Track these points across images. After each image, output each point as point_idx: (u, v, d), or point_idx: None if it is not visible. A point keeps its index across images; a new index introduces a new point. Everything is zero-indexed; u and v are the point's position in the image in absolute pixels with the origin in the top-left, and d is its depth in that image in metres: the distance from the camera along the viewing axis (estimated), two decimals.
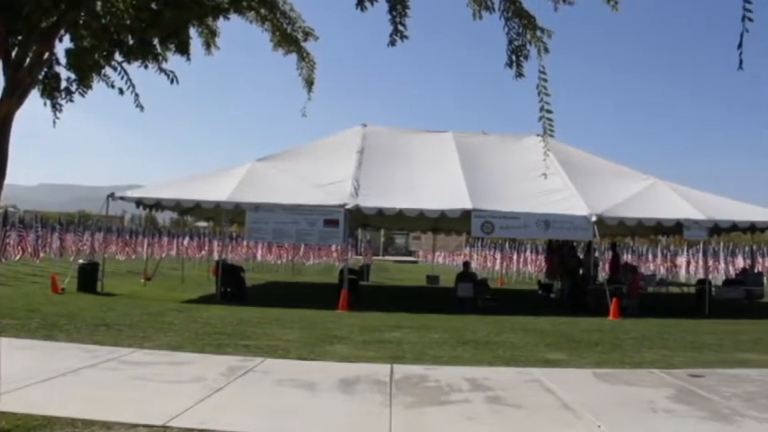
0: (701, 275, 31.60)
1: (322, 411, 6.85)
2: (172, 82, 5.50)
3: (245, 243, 41.86)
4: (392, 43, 4.94)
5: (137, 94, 5.55)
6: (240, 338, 11.56)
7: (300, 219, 18.70)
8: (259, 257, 45.04)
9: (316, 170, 20.77)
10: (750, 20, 3.88)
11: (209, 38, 6.17)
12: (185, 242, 42.04)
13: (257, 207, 18.82)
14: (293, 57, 6.39)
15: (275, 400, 7.20)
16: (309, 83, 6.57)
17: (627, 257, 37.50)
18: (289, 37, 6.17)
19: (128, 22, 4.99)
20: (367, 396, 7.50)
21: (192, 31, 5.80)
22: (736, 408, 7.50)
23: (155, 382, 7.74)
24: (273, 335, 12.23)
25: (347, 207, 18.58)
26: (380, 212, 19.32)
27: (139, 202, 20.35)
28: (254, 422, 6.41)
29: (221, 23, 6.08)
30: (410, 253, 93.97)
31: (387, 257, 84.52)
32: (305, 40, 6.29)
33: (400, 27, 4.92)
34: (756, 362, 11.07)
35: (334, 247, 42.52)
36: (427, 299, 23.99)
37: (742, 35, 3.95)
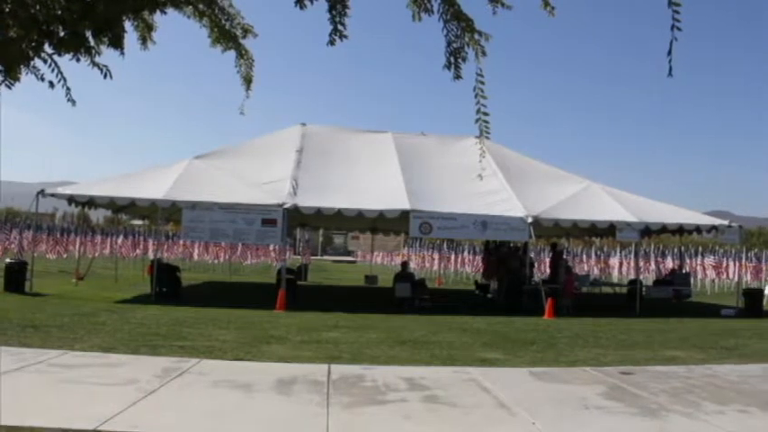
0: (632, 276, 32.47)
1: (258, 412, 6.78)
2: (105, 76, 5.35)
3: (181, 242, 41.22)
4: (331, 43, 4.92)
5: (68, 88, 5.38)
6: (175, 339, 11.36)
7: (238, 218, 18.49)
8: (196, 257, 44.40)
9: (254, 169, 20.57)
10: (678, 29, 4.00)
11: (145, 32, 6.03)
12: (119, 241, 41.19)
13: (194, 205, 18.52)
14: (232, 54, 6.31)
15: (211, 402, 7.09)
16: (248, 80, 6.49)
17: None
18: (227, 33, 6.08)
19: (58, 12, 4.83)
20: (304, 396, 7.45)
21: (128, 25, 5.65)
22: (663, 403, 7.74)
23: (85, 385, 7.53)
24: (209, 335, 12.05)
25: (285, 206, 18.45)
26: (319, 212, 19.25)
27: (71, 200, 19.79)
28: (188, 424, 6.31)
29: (158, 18, 5.96)
30: (349, 253, 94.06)
31: (325, 257, 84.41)
32: (244, 37, 6.20)
33: (340, 27, 4.89)
34: (683, 359, 11.43)
35: (272, 247, 42.16)
36: (365, 299, 23.99)
37: (671, 43, 4.07)
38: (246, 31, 6.19)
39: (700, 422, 6.99)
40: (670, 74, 4.22)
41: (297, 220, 25.90)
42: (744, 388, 8.92)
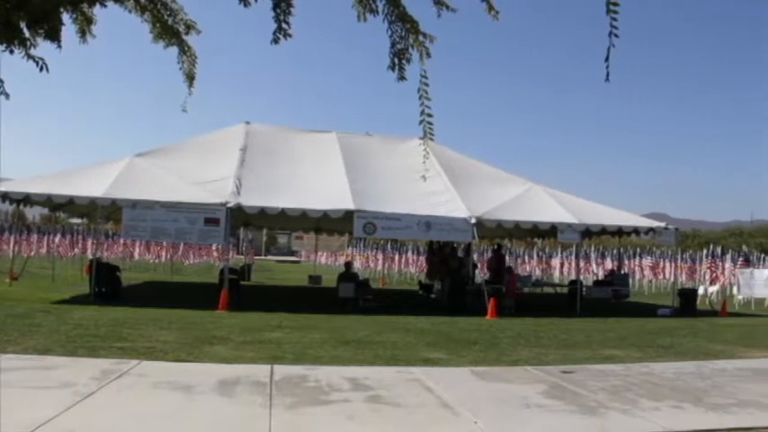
0: (573, 276, 33.04)
1: (200, 414, 6.69)
2: (41, 69, 5.20)
3: (121, 241, 40.48)
4: (275, 41, 4.88)
5: (1, 81, 5.21)
6: (115, 340, 11.13)
7: (180, 217, 18.20)
8: (136, 256, 43.69)
9: (197, 167, 20.28)
10: (616, 35, 4.08)
11: (85, 25, 5.90)
12: (57, 240, 40.23)
13: (135, 204, 18.15)
14: (174, 50, 6.21)
15: (151, 405, 6.96)
16: (190, 77, 6.39)
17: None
18: (169, 29, 5.98)
19: None
20: (246, 398, 7.38)
21: (66, 17, 5.51)
22: (601, 401, 7.91)
23: (19, 389, 7.29)
24: (150, 336, 11.84)
25: (229, 205, 18.24)
26: (263, 211, 19.08)
27: (5, 197, 19.15)
28: (126, 428, 6.18)
29: (98, 11, 5.82)
30: (293, 253, 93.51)
31: (269, 257, 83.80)
32: (186, 33, 6.11)
33: (284, 25, 4.86)
34: (622, 357, 11.69)
35: (214, 247, 41.76)
36: (309, 299, 23.89)
37: (609, 49, 4.15)
38: (189, 27, 6.10)
39: (637, 419, 7.17)
40: (607, 79, 4.29)
41: (240, 219, 25.64)
42: (678, 385, 9.18)
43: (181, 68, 6.34)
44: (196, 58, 6.35)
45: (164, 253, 41.87)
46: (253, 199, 18.80)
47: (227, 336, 12.35)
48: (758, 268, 31.87)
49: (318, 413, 6.91)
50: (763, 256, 41.70)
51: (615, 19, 4.06)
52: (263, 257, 77.10)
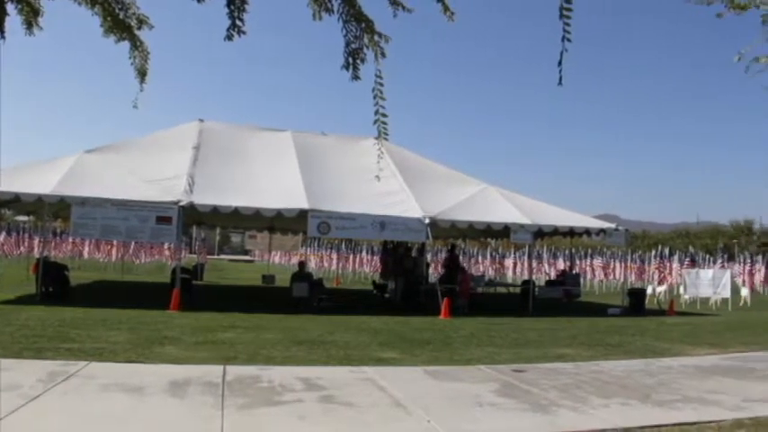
0: (525, 276, 33.40)
1: (150, 416, 6.59)
2: None
3: (70, 239, 39.70)
4: (229, 38, 4.83)
5: None
6: (62, 341, 10.89)
7: (131, 215, 17.89)
8: (86, 255, 42.88)
9: (149, 165, 19.96)
10: (569, 40, 4.13)
11: (31, 17, 5.76)
12: (1, 238, 39.29)
13: (84, 201, 17.78)
14: (126, 45, 6.10)
15: (99, 407, 6.82)
16: (142, 73, 6.28)
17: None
18: (121, 23, 5.87)
19: None
20: (198, 399, 7.29)
21: (11, 8, 5.38)
22: (552, 399, 8.02)
23: None
24: (99, 337, 11.62)
25: (181, 204, 18.00)
26: (216, 210, 18.87)
27: None
28: (74, 431, 6.05)
29: (45, 2, 5.69)
30: (246, 252, 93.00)
31: (222, 256, 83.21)
32: (139, 27, 6.01)
33: (238, 22, 4.82)
34: (572, 356, 11.85)
35: (166, 245, 41.13)
36: (262, 299, 23.71)
37: (561, 54, 4.20)
38: (141, 21, 6.00)
39: (586, 416, 7.28)
40: (560, 83, 4.34)
41: (193, 218, 25.33)
42: (627, 382, 9.35)
43: (132, 64, 6.24)
44: (148, 53, 6.25)
45: (114, 252, 41.17)
46: (206, 197, 18.58)
47: (179, 336, 12.19)
48: (703, 269, 32.69)
49: (271, 413, 6.86)
50: (708, 256, 42.76)
51: (568, 24, 4.10)
52: (216, 257, 76.50)
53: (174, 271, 20.09)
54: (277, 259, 66.42)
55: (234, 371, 8.92)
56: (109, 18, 5.85)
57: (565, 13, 4.10)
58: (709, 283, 28.09)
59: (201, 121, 24.35)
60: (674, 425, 6.99)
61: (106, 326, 13.07)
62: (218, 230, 70.65)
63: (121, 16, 5.88)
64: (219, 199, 18.74)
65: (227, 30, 4.80)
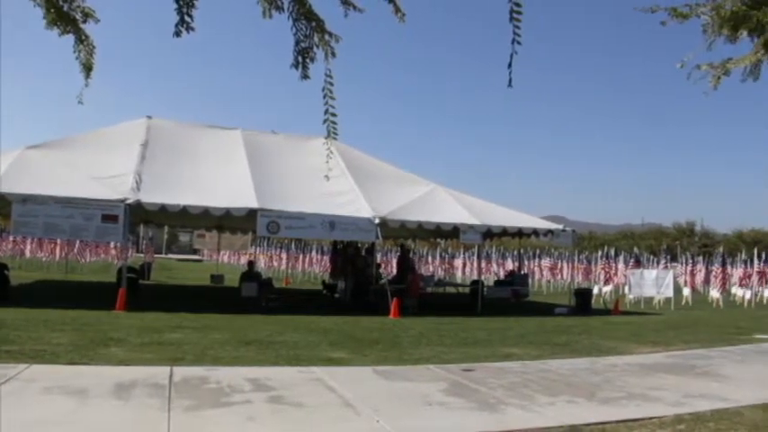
0: (475, 276, 33.71)
1: (94, 420, 6.44)
2: None
3: (10, 238, 38.67)
4: (177, 34, 4.75)
5: None
6: (1, 343, 10.57)
7: (75, 213, 17.49)
8: (28, 254, 41.81)
9: (94, 162, 19.53)
10: (519, 43, 4.17)
11: None
12: None
13: (26, 199, 17.29)
14: (70, 38, 5.95)
15: (41, 411, 6.64)
16: (88, 68, 6.13)
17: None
18: (65, 16, 5.72)
19: None
20: (144, 401, 7.16)
21: None
22: (500, 397, 8.10)
23: None
24: (41, 338, 11.32)
25: (128, 202, 17.68)
26: (163, 209, 18.59)
27: None
28: None
29: None
30: (195, 251, 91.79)
31: (170, 256, 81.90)
32: (84, 21, 5.86)
33: (187, 18, 4.74)
34: (520, 355, 11.99)
35: (112, 244, 40.35)
36: (211, 298, 23.46)
37: (512, 56, 4.24)
38: (87, 15, 5.85)
39: (533, 413, 7.36)
40: (510, 84, 4.38)
41: (140, 216, 24.92)
42: (573, 380, 9.51)
43: (77, 58, 6.09)
44: (94, 47, 6.11)
45: (58, 251, 40.23)
46: (153, 195, 18.29)
47: (125, 337, 11.96)
48: (647, 269, 33.40)
49: (218, 415, 6.78)
50: (652, 257, 43.71)
51: (518, 27, 4.14)
52: (163, 256, 75.29)
53: (120, 270, 19.74)
54: (226, 259, 65.70)
55: (181, 372, 8.79)
56: (52, 10, 5.69)
57: (515, 15, 4.14)
58: (653, 283, 28.77)
59: (149, 118, 23.94)
60: (619, 421, 7.13)
61: (48, 327, 12.74)
62: (166, 229, 69.56)
63: (66, 9, 5.73)
64: (167, 197, 18.47)
65: (176, 26, 4.72)
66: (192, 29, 4.78)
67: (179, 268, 52.20)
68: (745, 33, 6.02)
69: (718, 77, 6.15)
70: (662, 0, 6.37)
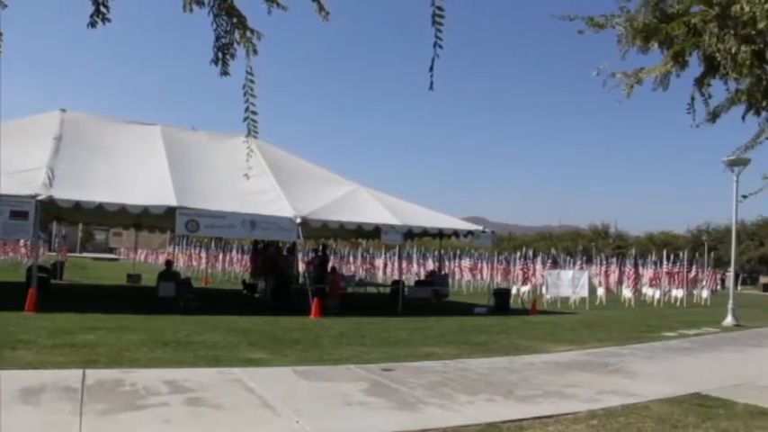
0: (396, 276, 33.90)
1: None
2: None
3: None
4: (92, 25, 4.60)
5: None
6: None
7: None
8: None
9: (3, 155, 18.71)
10: (440, 47, 4.21)
11: None
12: None
13: None
14: None
15: None
16: None
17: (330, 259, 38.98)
18: None
19: None
20: (54, 405, 6.91)
21: None
22: (420, 396, 8.18)
23: None
24: None
25: (39, 198, 17.03)
26: (78, 205, 18.00)
27: None
28: None
29: None
30: (111, 250, 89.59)
31: (85, 254, 79.70)
32: None
33: (103, 9, 4.59)
34: (440, 354, 12.12)
35: (22, 242, 38.93)
36: (127, 299, 22.87)
37: (433, 60, 4.27)
38: None
39: (452, 412, 7.46)
40: (431, 87, 4.40)
41: (52, 213, 24.12)
42: (492, 379, 9.69)
43: None
44: (0, 34, 5.85)
45: None
46: (67, 192, 17.68)
47: (34, 339, 11.52)
48: (564, 270, 34.28)
49: (133, 419, 6.61)
50: (568, 258, 44.88)
51: (440, 30, 4.17)
52: (77, 255, 73.16)
53: (29, 269, 19.03)
54: (143, 258, 64.29)
55: (94, 375, 8.52)
56: None
57: (437, 19, 4.16)
58: (569, 283, 29.56)
59: (63, 111, 23.12)
60: (535, 418, 7.31)
61: None
62: (80, 227, 67.54)
63: None
64: (82, 194, 17.89)
65: (91, 16, 4.56)
66: (109, 20, 4.63)
67: (94, 267, 50.81)
68: (656, 45, 6.26)
69: (632, 86, 6.37)
70: (581, 9, 6.57)
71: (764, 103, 6.08)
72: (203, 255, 47.18)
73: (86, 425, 6.23)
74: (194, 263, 48.45)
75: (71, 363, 9.43)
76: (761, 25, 5.28)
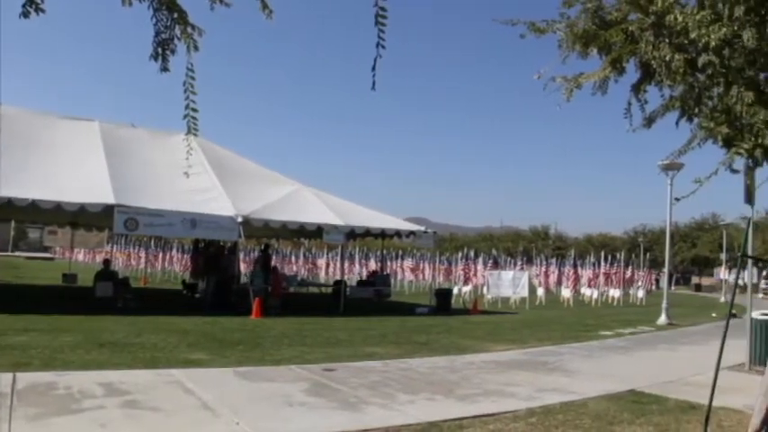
0: (338, 276, 33.85)
1: None
2: None
3: None
4: (25, 15, 4.44)
5: None
6: None
7: None
8: None
9: None
10: (383, 47, 4.20)
11: None
12: None
13: None
14: None
15: None
16: None
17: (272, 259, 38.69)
18: None
19: None
20: None
21: None
22: (362, 396, 8.18)
23: None
24: None
25: None
26: (10, 203, 17.42)
27: None
28: None
29: None
30: (45, 249, 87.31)
31: (18, 253, 77.45)
32: None
33: None
34: (382, 354, 12.15)
35: None
36: (62, 299, 22.30)
37: (375, 60, 4.26)
38: None
39: (394, 411, 7.48)
40: (373, 88, 4.40)
41: None
42: (433, 378, 9.75)
43: None
44: None
45: None
46: None
47: None
48: (505, 270, 34.73)
49: (67, 423, 6.43)
50: (509, 259, 45.46)
51: (383, 31, 4.17)
52: (9, 253, 71.10)
53: None
54: (80, 257, 62.79)
55: (26, 378, 8.26)
56: None
57: (380, 20, 4.16)
58: (510, 283, 30.00)
59: None
60: (475, 417, 7.38)
61: None
62: (12, 225, 65.61)
63: None
64: (14, 190, 17.31)
65: (23, 6, 4.41)
66: (42, 10, 4.49)
67: (27, 267, 49.45)
68: (595, 51, 6.38)
69: (571, 90, 6.47)
70: (522, 13, 6.65)
71: (696, 110, 6.25)
72: (142, 254, 46.31)
73: (16, 431, 6.03)
74: (133, 262, 47.51)
75: (1, 366, 9.12)
76: (693, 35, 5.44)
